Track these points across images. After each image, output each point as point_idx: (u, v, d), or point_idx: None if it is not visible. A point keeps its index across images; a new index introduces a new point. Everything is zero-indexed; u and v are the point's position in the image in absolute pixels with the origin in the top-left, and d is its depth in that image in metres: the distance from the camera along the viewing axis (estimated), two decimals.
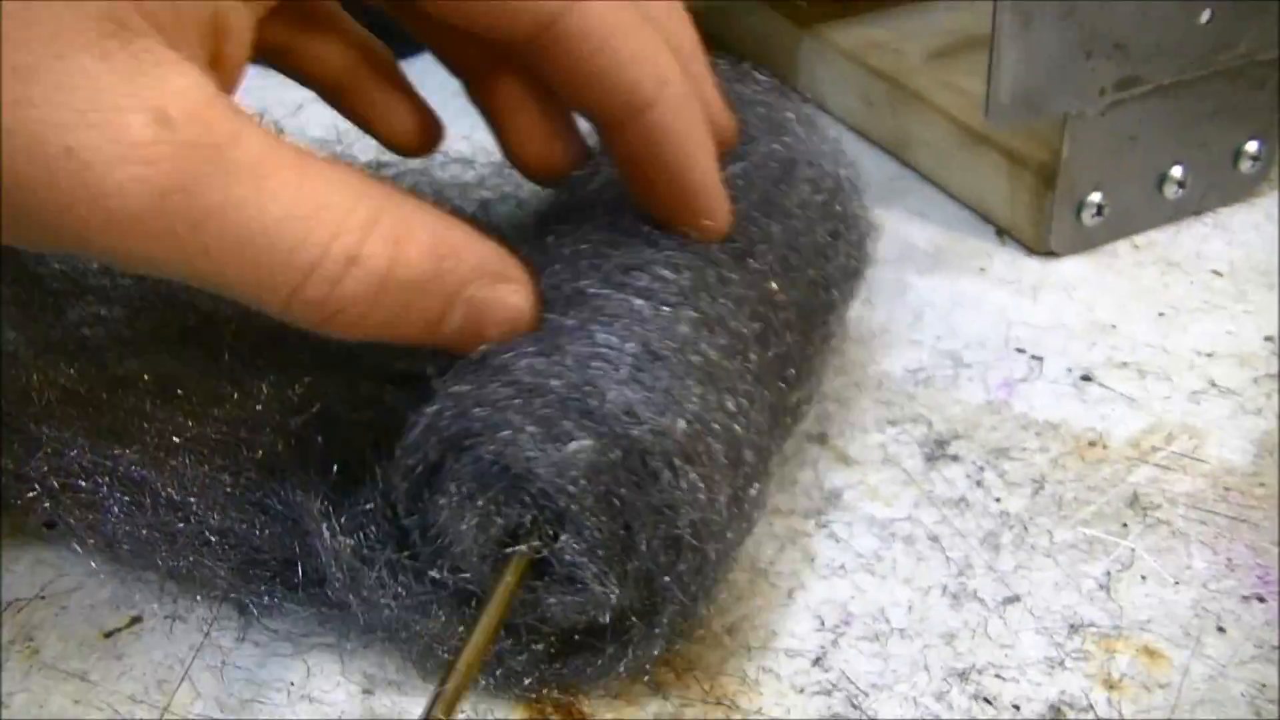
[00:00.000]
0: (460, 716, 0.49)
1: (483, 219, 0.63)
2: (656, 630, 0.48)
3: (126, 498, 0.51)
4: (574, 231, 0.52)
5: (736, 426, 0.49)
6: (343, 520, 0.50)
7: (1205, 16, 0.66)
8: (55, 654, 0.52)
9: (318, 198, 0.43)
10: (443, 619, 0.49)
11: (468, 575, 0.48)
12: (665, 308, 0.48)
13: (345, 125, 0.55)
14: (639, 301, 0.48)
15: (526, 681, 0.49)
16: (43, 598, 0.54)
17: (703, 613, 0.50)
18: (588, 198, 0.54)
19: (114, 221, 0.40)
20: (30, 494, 0.51)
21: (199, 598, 0.53)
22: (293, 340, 0.55)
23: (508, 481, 0.47)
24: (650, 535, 0.47)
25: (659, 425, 0.46)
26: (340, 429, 0.53)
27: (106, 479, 0.51)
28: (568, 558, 0.47)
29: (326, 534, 0.49)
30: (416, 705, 0.50)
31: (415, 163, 0.65)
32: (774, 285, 0.53)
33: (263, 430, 0.53)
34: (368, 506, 0.50)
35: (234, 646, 0.52)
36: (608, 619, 0.48)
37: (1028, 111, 0.64)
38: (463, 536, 0.48)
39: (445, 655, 0.49)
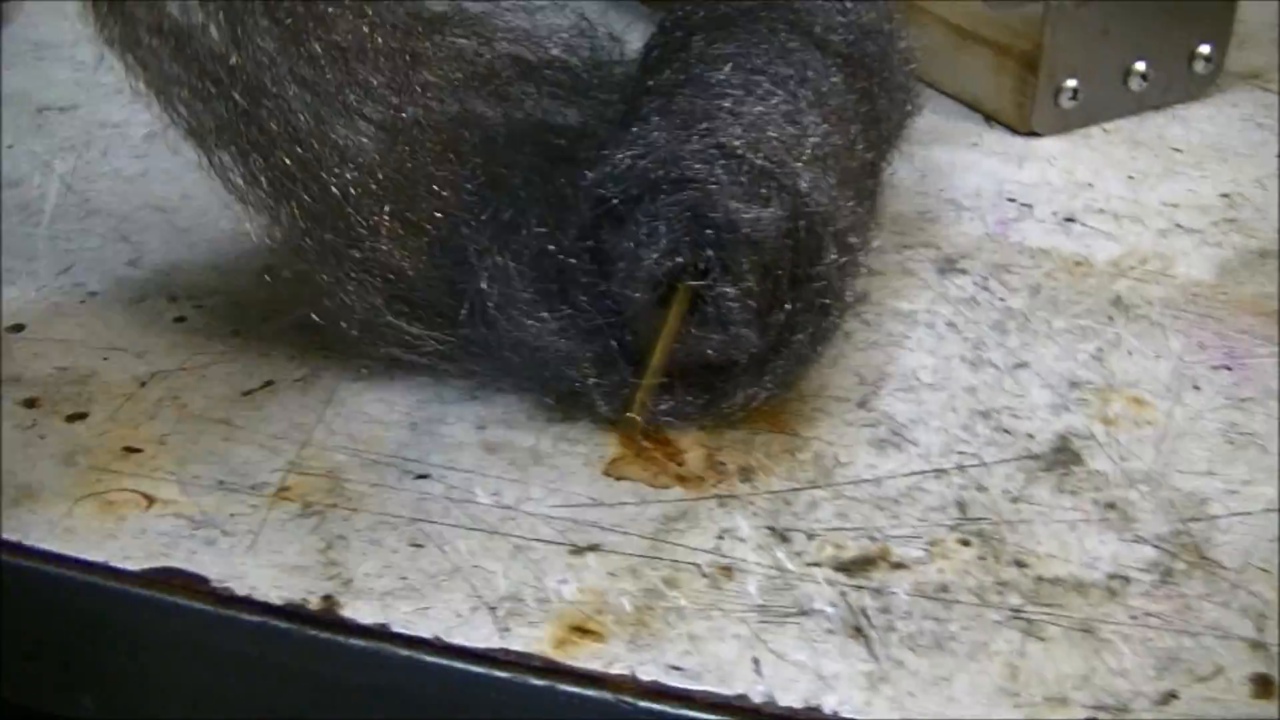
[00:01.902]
0: (562, 443, 0.58)
1: None
2: (767, 379, 0.58)
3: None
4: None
5: (864, 223, 0.59)
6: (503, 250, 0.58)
7: None
8: (201, 407, 0.60)
9: None
10: (577, 341, 0.58)
11: (635, 295, 0.57)
12: (828, 122, 0.60)
13: None
14: (812, 113, 0.59)
15: (638, 414, 0.57)
16: (183, 370, 0.62)
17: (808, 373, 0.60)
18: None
19: None
20: None
21: (322, 364, 0.62)
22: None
23: (700, 226, 0.56)
24: (797, 296, 0.57)
25: (832, 210, 0.56)
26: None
27: None
28: (729, 301, 0.56)
29: (490, 260, 0.57)
30: (522, 437, 0.59)
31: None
32: (877, 127, 0.64)
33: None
34: (536, 232, 0.59)
35: (358, 400, 0.61)
36: (744, 361, 0.58)
37: None
38: (640, 266, 0.57)
39: (574, 384, 0.59)
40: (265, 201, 0.56)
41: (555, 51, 0.70)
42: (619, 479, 0.56)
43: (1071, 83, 0.79)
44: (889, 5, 0.69)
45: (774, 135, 0.57)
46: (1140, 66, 0.80)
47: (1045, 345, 0.63)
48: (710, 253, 0.56)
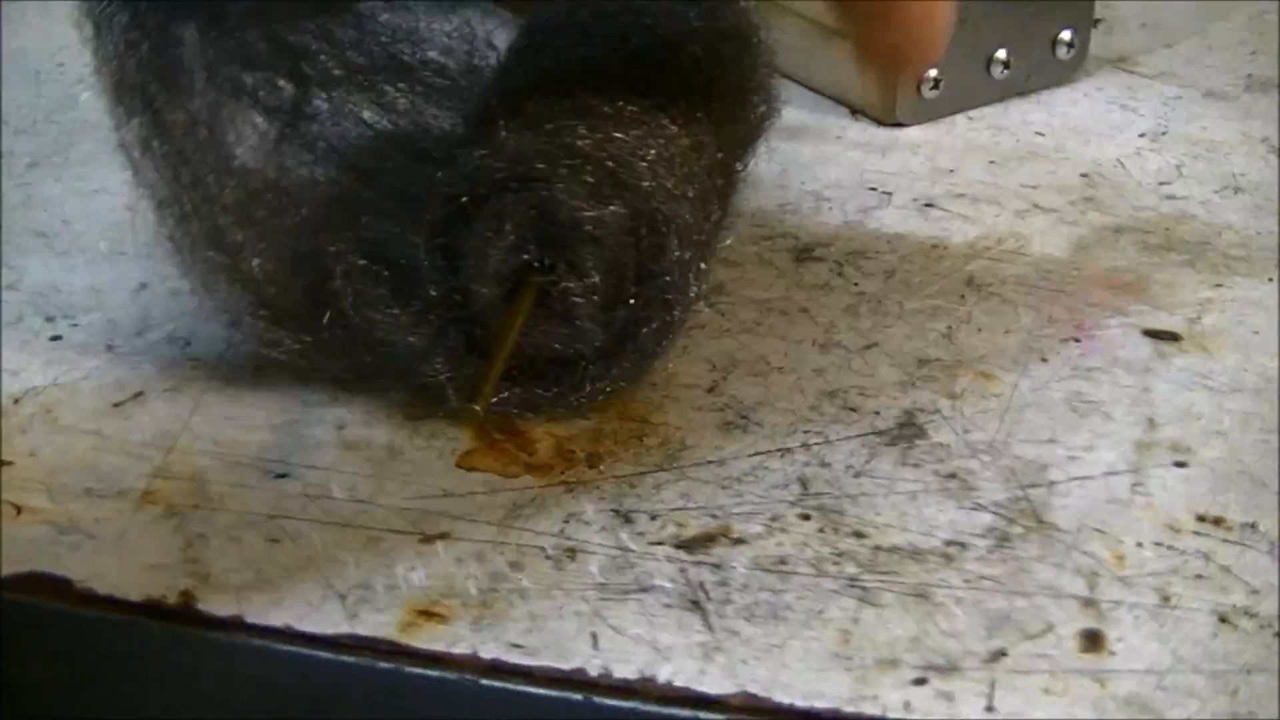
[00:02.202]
0: (417, 439, 0.60)
1: None
2: (614, 371, 0.61)
3: None
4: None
5: (708, 224, 0.62)
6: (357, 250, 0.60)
7: None
8: (72, 420, 0.62)
9: None
10: (429, 337, 0.60)
11: (483, 290, 0.60)
12: (674, 126, 0.62)
13: None
14: (659, 115, 0.62)
15: (480, 406, 0.58)
16: (56, 385, 0.64)
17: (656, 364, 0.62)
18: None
19: None
20: None
21: (191, 375, 0.64)
22: None
23: (546, 224, 0.59)
24: (640, 292, 0.59)
25: (674, 209, 0.58)
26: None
27: None
28: (573, 296, 0.59)
29: (345, 261, 0.60)
30: (380, 434, 0.61)
31: None
32: (731, 128, 0.66)
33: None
34: (390, 231, 0.61)
35: (224, 406, 0.63)
36: (588, 353, 0.60)
37: None
38: (488, 263, 0.59)
39: (427, 379, 0.60)
40: (159, 192, 0.58)
41: (432, 54, 0.72)
42: (471, 470, 0.57)
43: (933, 73, 0.80)
44: (747, 6, 0.70)
45: (619, 135, 0.58)
46: (1002, 54, 0.83)
47: (896, 326, 0.65)
48: (555, 250, 0.57)
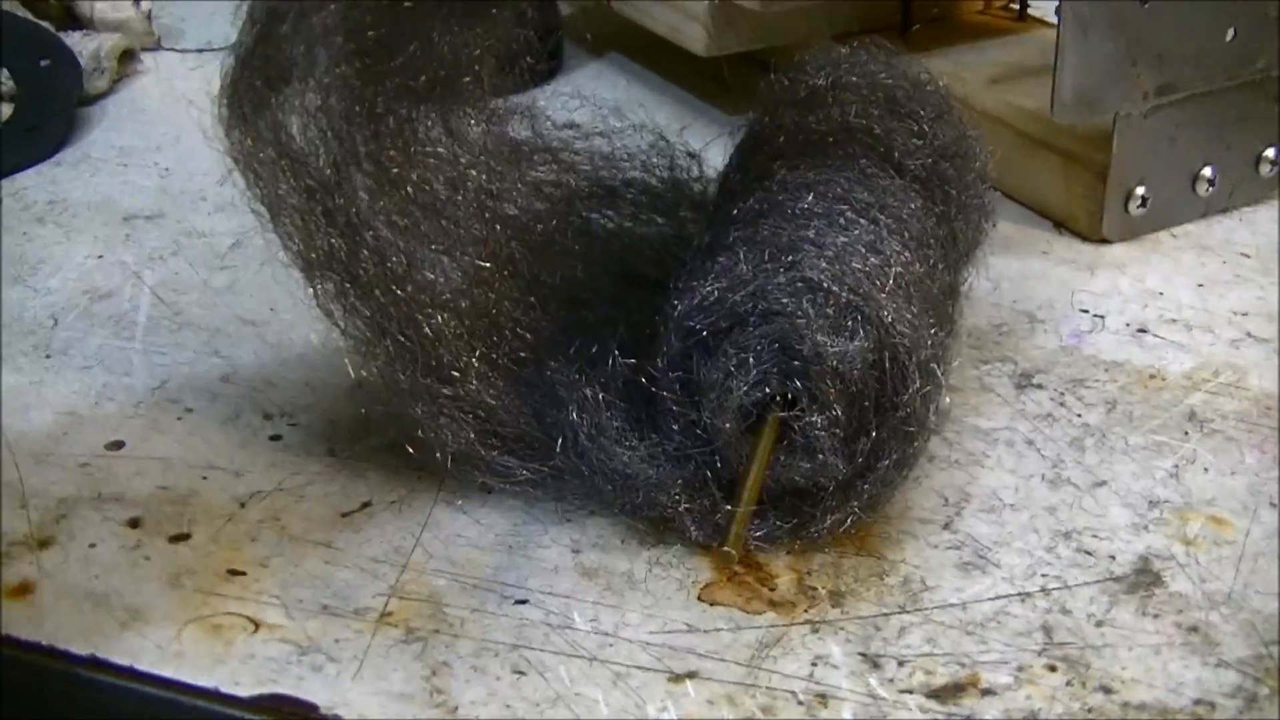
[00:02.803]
0: (656, 568, 0.60)
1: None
2: (853, 503, 0.60)
3: None
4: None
5: (943, 352, 0.61)
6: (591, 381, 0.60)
7: (1230, 34, 0.79)
8: (300, 529, 0.62)
9: None
10: (665, 471, 0.59)
11: (725, 425, 0.59)
12: (909, 249, 0.62)
13: None
14: (893, 240, 0.62)
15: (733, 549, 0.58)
16: (281, 490, 0.64)
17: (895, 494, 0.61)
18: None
19: None
20: None
21: (416, 486, 0.64)
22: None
23: (788, 358, 0.58)
24: (882, 423, 0.59)
25: (916, 339, 0.58)
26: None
27: None
28: (816, 430, 0.58)
29: (579, 392, 0.59)
30: (617, 561, 0.61)
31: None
32: (956, 248, 0.66)
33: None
34: (623, 363, 0.61)
35: (453, 522, 0.63)
36: (830, 487, 0.60)
37: (1085, 109, 0.77)
38: (730, 397, 0.59)
39: (664, 509, 0.60)
40: (363, 335, 0.58)
41: (634, 173, 0.72)
42: (713, 604, 0.57)
43: (1140, 190, 0.81)
44: (965, 124, 0.70)
45: (858, 266, 0.58)
46: (1208, 172, 0.82)
47: (1122, 463, 0.65)
48: (798, 383, 0.57)
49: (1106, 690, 0.54)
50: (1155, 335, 0.73)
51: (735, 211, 0.64)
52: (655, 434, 0.59)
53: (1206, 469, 0.64)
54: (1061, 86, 0.74)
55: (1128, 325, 0.74)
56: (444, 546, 0.60)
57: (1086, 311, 0.75)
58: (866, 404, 0.58)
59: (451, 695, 0.53)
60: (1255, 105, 0.82)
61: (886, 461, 0.59)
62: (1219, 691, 0.54)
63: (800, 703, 0.53)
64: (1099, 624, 0.56)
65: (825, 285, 0.57)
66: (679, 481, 0.59)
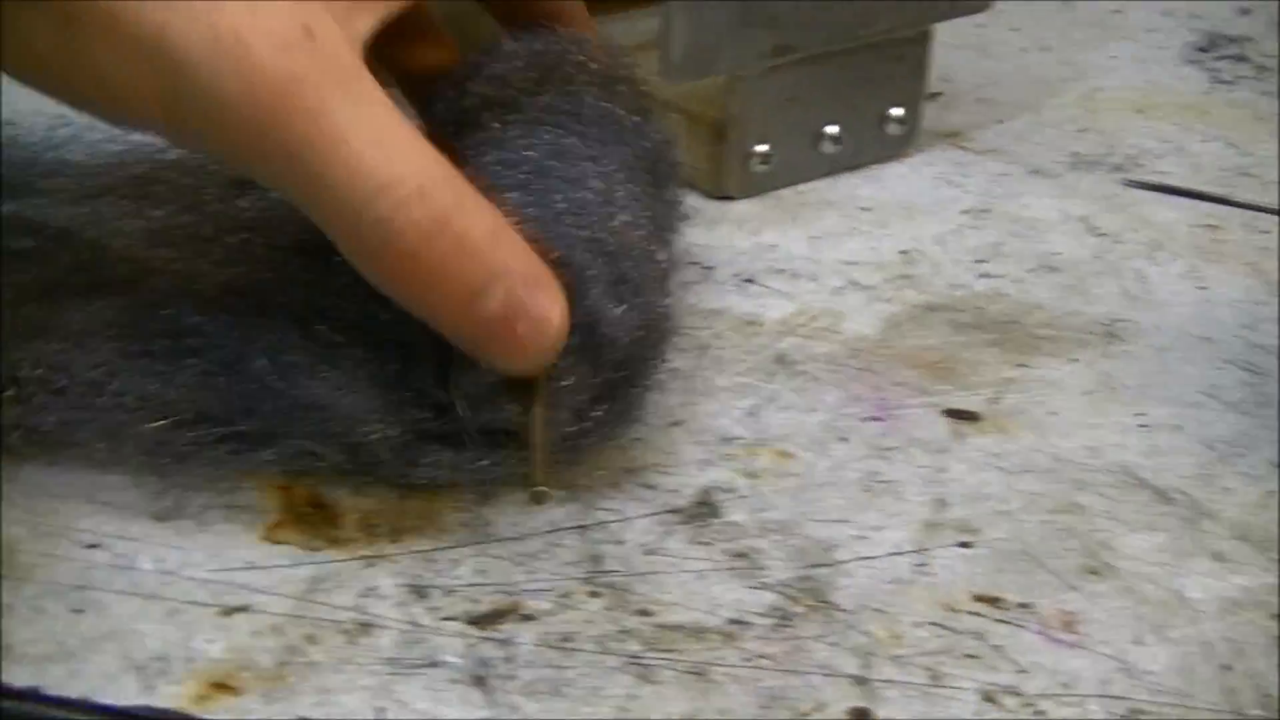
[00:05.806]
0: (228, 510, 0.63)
1: None
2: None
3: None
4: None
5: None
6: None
7: None
8: None
9: (407, 144, 0.55)
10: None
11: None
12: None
13: None
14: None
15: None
16: None
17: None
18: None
19: (245, 100, 0.53)
20: None
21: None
22: None
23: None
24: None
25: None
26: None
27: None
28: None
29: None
30: (193, 504, 0.63)
31: None
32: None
33: None
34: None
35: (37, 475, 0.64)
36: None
37: (697, 70, 0.79)
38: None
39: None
40: None
41: None
42: (276, 543, 0.59)
43: (762, 148, 0.83)
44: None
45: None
46: (831, 130, 0.85)
47: (703, 403, 0.68)
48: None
49: (644, 613, 0.57)
50: (760, 285, 0.76)
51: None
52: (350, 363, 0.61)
53: (785, 408, 0.67)
54: (671, 49, 0.77)
55: (735, 276, 0.77)
56: (25, 498, 0.61)
57: (696, 264, 0.78)
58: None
59: (8, 634, 0.55)
60: (878, 66, 0.85)
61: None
62: (754, 611, 0.57)
63: (343, 631, 0.55)
64: (649, 553, 0.59)
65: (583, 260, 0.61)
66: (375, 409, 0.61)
